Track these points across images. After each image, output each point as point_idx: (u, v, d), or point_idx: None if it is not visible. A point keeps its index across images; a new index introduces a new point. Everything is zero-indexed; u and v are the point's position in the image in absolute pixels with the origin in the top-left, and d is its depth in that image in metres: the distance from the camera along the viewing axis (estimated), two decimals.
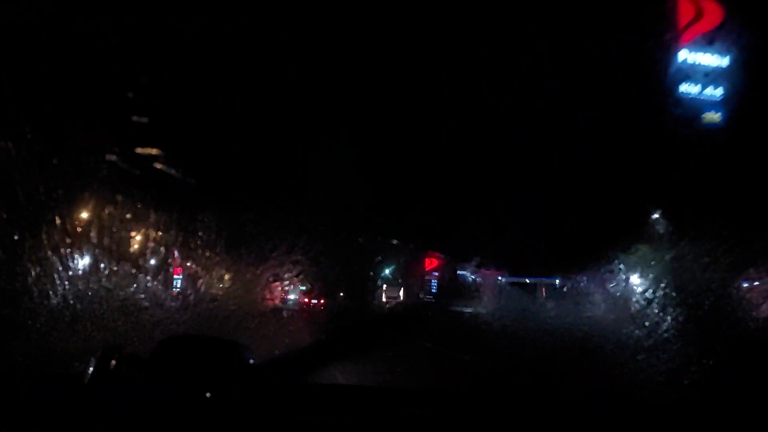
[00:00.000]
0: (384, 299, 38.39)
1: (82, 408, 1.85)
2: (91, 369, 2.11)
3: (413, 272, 34.31)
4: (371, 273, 35.92)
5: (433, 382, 6.36)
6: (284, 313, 28.80)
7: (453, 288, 33.92)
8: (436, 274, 32.41)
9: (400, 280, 38.20)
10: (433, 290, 32.76)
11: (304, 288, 48.98)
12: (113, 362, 2.20)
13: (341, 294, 44.83)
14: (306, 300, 46.17)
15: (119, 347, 2.58)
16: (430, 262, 32.09)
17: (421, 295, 33.07)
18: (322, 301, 44.17)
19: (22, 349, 6.24)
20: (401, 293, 39.28)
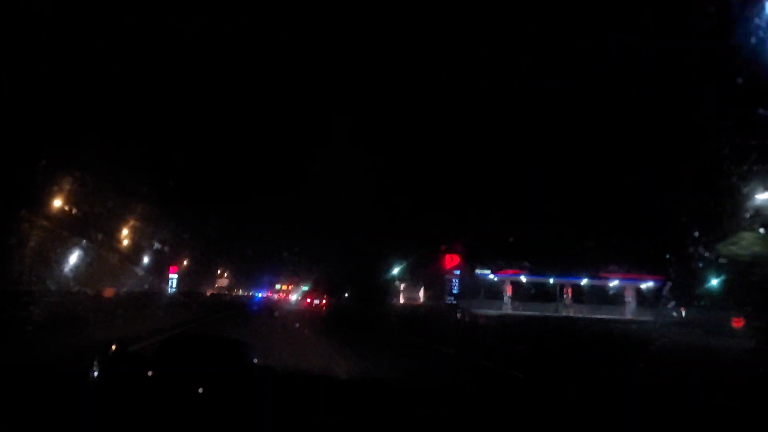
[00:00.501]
0: (402, 300, 37.03)
1: (87, 406, 1.89)
2: (96, 367, 2.17)
3: (433, 270, 32.36)
4: (384, 271, 34.35)
5: (442, 383, 6.43)
6: (284, 313, 29.20)
7: (474, 289, 33.11)
8: (458, 272, 30.73)
9: (418, 279, 36.17)
10: (455, 290, 31.17)
11: (306, 288, 49.76)
12: (117, 361, 2.27)
13: (346, 294, 44.50)
14: (308, 300, 46.62)
15: (124, 346, 2.63)
16: (451, 259, 30.24)
17: (447, 298, 31.32)
18: (324, 301, 44.28)
19: (26, 347, 6.49)
20: (421, 294, 37.70)
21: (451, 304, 29.54)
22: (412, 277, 35.72)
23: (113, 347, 2.36)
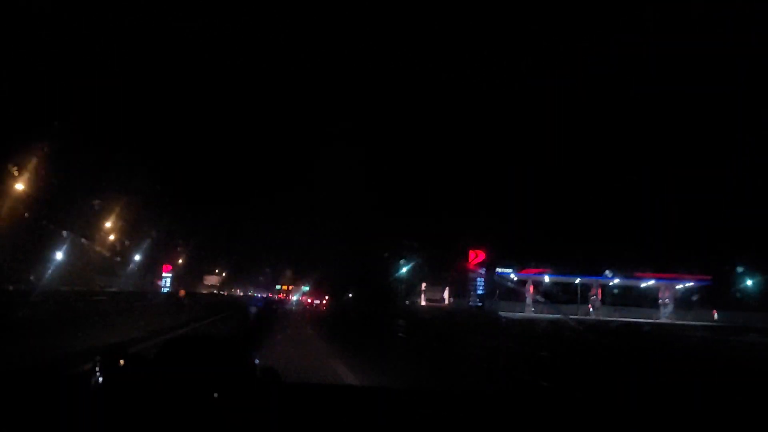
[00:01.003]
0: (423, 302, 35.60)
1: (88, 408, 1.97)
2: (98, 369, 2.24)
3: (456, 268, 30.99)
4: (393, 270, 33.35)
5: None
6: (286, 312, 29.03)
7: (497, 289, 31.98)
8: (483, 270, 29.53)
9: (440, 279, 34.60)
10: (480, 291, 29.98)
11: (306, 288, 50.80)
12: (119, 362, 2.35)
13: (350, 295, 45.29)
14: (309, 300, 47.96)
15: (125, 347, 2.65)
16: (476, 256, 29.00)
17: (471, 299, 30.12)
18: (324, 302, 45.22)
19: (27, 348, 6.42)
20: (445, 295, 36.04)
21: (475, 306, 28.61)
22: (433, 276, 34.77)
23: (114, 349, 2.45)
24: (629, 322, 27.63)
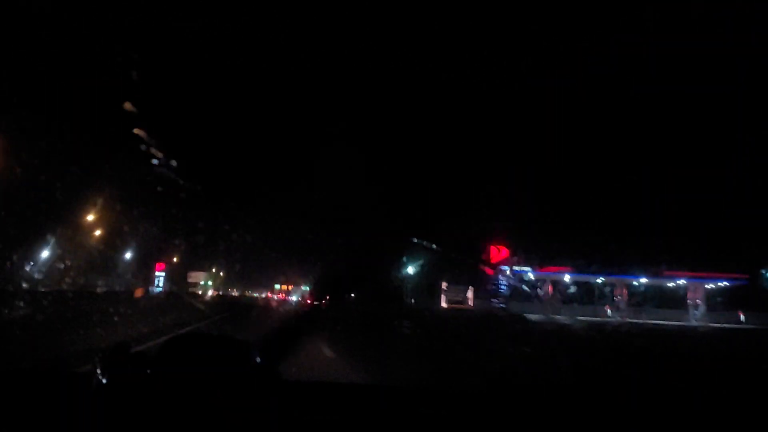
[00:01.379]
0: (444, 304, 34.61)
1: (89, 407, 2.05)
2: (98, 368, 2.30)
3: (478, 266, 29.97)
4: (401, 266, 32.58)
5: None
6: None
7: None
8: (506, 268, 28.33)
9: (462, 277, 33.91)
10: (503, 291, 29.06)
11: (306, 288, 51.43)
12: (120, 361, 2.42)
13: (352, 295, 45.62)
14: (309, 301, 48.78)
15: (127, 345, 2.66)
16: (498, 252, 27.65)
17: (493, 299, 29.18)
18: (324, 301, 45.67)
19: (29, 348, 6.62)
20: (469, 295, 34.96)
21: (498, 307, 27.93)
22: (448, 274, 34.18)
23: (115, 347, 2.49)
24: (653, 326, 27.31)
